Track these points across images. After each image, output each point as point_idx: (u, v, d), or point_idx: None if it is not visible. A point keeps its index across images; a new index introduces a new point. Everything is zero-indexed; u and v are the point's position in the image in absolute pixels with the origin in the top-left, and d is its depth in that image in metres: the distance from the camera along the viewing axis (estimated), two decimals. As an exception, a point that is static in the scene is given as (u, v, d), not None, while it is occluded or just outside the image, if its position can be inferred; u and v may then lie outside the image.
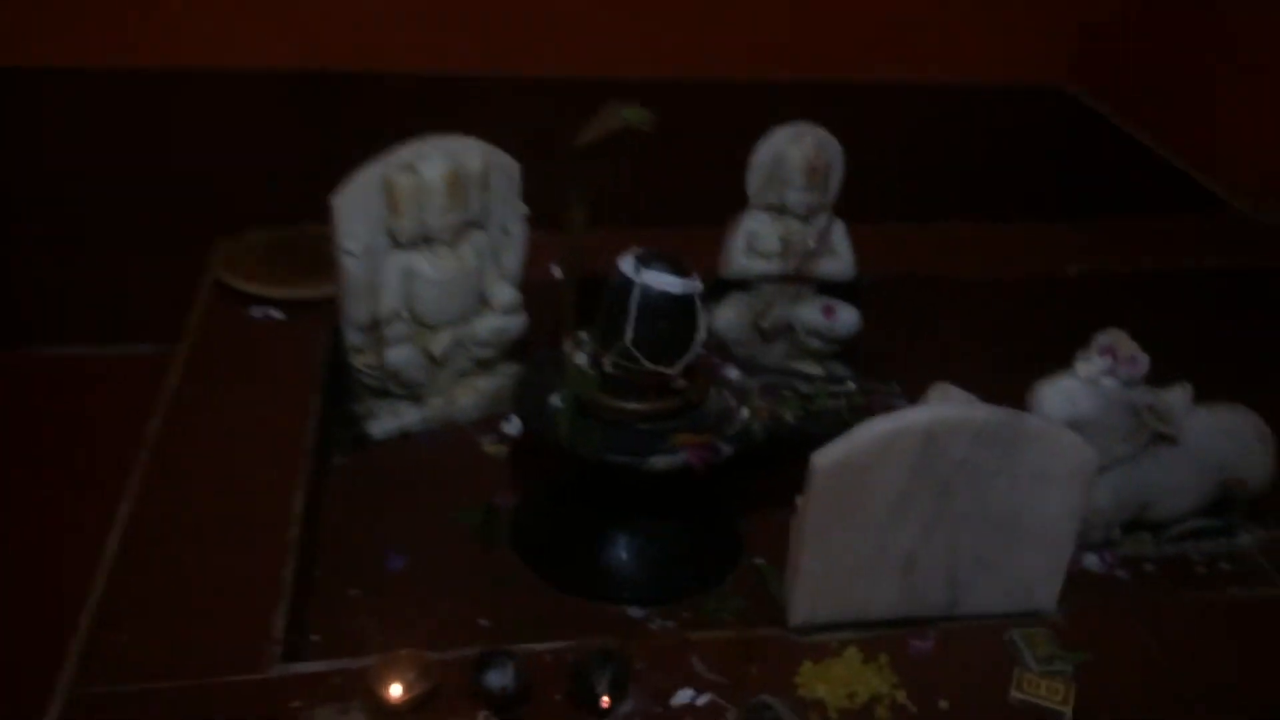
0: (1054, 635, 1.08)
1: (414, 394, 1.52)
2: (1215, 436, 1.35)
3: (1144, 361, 1.30)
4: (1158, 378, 1.31)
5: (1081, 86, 2.62)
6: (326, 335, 1.51)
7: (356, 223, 1.40)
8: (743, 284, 1.61)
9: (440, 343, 1.50)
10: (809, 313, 1.61)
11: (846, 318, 1.61)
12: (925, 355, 1.74)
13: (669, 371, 1.22)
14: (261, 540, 1.17)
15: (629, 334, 1.20)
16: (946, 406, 0.97)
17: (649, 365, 1.21)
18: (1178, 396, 1.34)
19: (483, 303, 1.52)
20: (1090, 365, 1.32)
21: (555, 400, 1.26)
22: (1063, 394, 1.32)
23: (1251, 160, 2.06)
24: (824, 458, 0.94)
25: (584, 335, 1.30)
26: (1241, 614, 1.20)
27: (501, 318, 1.52)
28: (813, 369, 1.64)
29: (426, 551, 1.32)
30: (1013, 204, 2.20)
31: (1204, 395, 1.34)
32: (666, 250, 1.23)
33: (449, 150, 1.42)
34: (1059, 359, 1.81)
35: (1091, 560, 1.36)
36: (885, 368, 1.70)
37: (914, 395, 1.63)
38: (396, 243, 1.44)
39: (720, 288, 1.62)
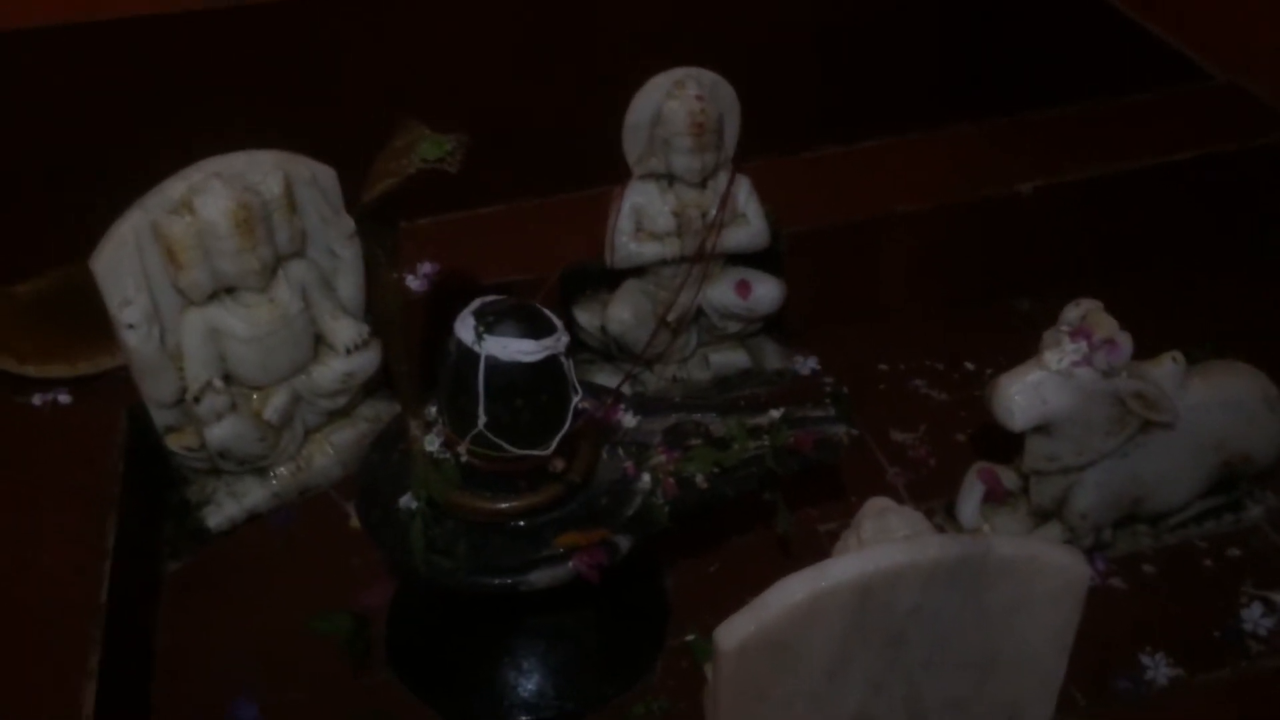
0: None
1: (256, 466, 1.25)
2: (1214, 412, 1.12)
3: (1126, 345, 1.06)
4: (1141, 333, 1.06)
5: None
6: (129, 415, 1.22)
7: (129, 288, 1.10)
8: (637, 270, 1.33)
9: (274, 405, 1.22)
10: (720, 293, 1.33)
11: (765, 293, 1.34)
12: (864, 317, 1.49)
13: (541, 454, 0.96)
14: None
15: (481, 418, 0.93)
16: (882, 550, 0.72)
17: (514, 451, 0.95)
18: (1168, 373, 1.10)
19: (320, 345, 1.24)
20: (1060, 353, 1.07)
21: (407, 502, 1.00)
22: (1028, 391, 1.08)
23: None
24: (729, 637, 0.70)
25: (432, 413, 1.02)
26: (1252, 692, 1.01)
27: (346, 360, 1.23)
28: (734, 355, 1.38)
29: (285, 686, 1.08)
30: (936, 99, 1.86)
31: (1200, 330, 1.08)
32: (514, 299, 0.96)
33: (231, 174, 1.11)
34: (1020, 295, 1.53)
35: (1080, 570, 1.14)
36: (816, 344, 1.45)
37: (859, 379, 1.40)
38: (190, 300, 1.14)
39: (609, 277, 1.34)
